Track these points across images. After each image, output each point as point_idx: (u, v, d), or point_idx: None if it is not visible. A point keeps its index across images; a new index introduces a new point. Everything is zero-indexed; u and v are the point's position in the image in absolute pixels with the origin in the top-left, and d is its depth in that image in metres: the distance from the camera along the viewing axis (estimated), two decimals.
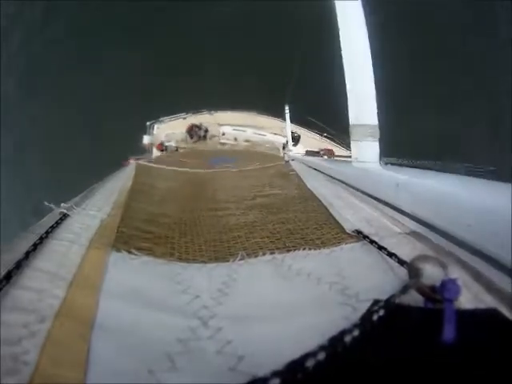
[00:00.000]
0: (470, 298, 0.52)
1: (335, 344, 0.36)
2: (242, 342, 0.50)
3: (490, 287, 0.54)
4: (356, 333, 0.38)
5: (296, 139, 5.98)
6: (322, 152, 5.55)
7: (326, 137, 6.03)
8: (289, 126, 5.79)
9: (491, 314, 0.46)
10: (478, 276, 0.57)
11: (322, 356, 0.34)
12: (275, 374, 0.31)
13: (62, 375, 0.40)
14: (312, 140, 6.14)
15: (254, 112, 6.93)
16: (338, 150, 5.57)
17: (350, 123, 1.45)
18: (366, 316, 0.42)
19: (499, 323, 0.44)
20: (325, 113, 5.35)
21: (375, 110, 1.39)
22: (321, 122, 5.87)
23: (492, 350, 0.38)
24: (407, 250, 0.71)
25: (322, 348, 0.34)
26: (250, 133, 6.97)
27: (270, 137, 6.84)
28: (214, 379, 0.43)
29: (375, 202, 1.06)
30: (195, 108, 6.75)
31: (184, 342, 0.50)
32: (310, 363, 0.33)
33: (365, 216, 0.98)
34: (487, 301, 0.51)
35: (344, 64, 1.47)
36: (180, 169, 2.27)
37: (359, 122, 1.42)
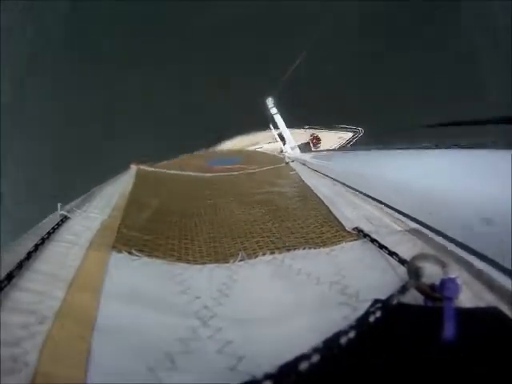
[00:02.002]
0: (470, 296, 0.52)
1: (330, 346, 0.36)
2: (242, 342, 0.50)
3: (490, 285, 0.53)
4: (352, 334, 0.38)
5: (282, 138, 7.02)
6: (310, 140, 7.33)
7: (308, 128, 7.80)
8: (276, 134, 6.92)
9: (492, 313, 0.45)
10: (478, 274, 0.56)
11: (316, 358, 0.34)
12: (268, 376, 0.31)
13: (63, 376, 0.40)
14: (299, 135, 7.63)
15: (247, 132, 8.23)
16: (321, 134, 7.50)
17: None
18: (363, 317, 0.42)
19: (500, 322, 0.43)
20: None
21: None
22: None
23: (492, 348, 0.38)
24: (407, 247, 0.71)
25: (315, 350, 0.34)
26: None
27: (265, 146, 7.97)
28: (215, 379, 0.43)
29: (374, 199, 1.07)
30: None
31: (184, 341, 0.50)
32: (303, 366, 0.32)
33: (365, 213, 0.98)
34: (487, 299, 0.51)
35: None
36: (181, 172, 2.27)
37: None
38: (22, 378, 0.37)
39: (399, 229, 0.83)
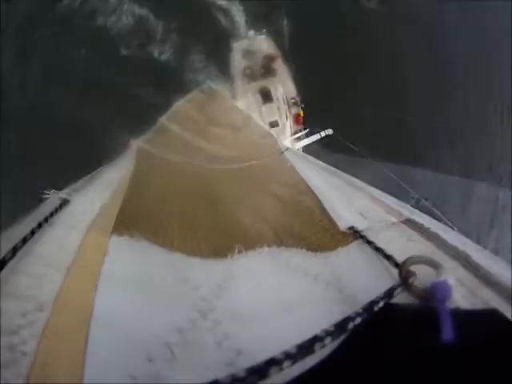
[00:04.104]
0: (465, 293, 0.51)
1: (303, 352, 0.36)
2: (240, 336, 0.50)
3: (486, 280, 0.52)
4: (328, 341, 0.38)
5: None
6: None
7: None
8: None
9: (491, 315, 0.45)
10: (474, 268, 0.55)
11: (287, 364, 0.34)
12: (235, 379, 0.32)
13: (60, 365, 0.39)
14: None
15: None
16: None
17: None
18: (339, 324, 0.41)
19: (499, 324, 0.43)
20: None
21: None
22: None
23: (492, 350, 0.38)
24: (402, 242, 0.70)
25: (288, 356, 0.34)
26: None
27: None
28: (213, 372, 0.42)
29: (368, 188, 1.05)
30: None
31: (183, 332, 0.50)
32: (273, 370, 0.33)
33: (359, 206, 0.96)
34: (483, 295, 0.50)
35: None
36: (182, 162, 2.24)
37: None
38: (20, 368, 0.37)
39: (394, 220, 0.81)
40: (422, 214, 0.83)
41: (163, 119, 3.35)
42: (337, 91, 9.00)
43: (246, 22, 9.71)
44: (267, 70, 8.42)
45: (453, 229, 0.67)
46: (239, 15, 9.73)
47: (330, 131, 6.30)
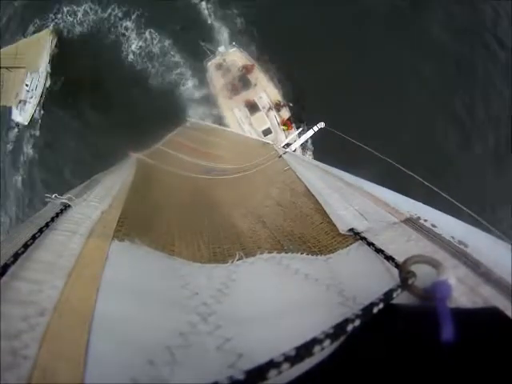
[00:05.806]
0: (466, 291, 0.50)
1: (302, 354, 0.35)
2: (241, 340, 0.50)
3: (487, 277, 0.51)
4: (327, 343, 0.37)
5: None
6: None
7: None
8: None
9: (491, 313, 0.44)
10: (475, 266, 0.54)
11: (286, 366, 0.34)
12: (235, 382, 0.31)
13: (61, 369, 0.39)
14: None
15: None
16: None
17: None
18: (339, 325, 0.41)
19: (500, 322, 0.43)
20: None
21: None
22: None
23: (493, 349, 0.37)
24: (402, 242, 0.70)
25: (287, 358, 0.34)
26: None
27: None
28: (214, 375, 0.41)
29: (368, 186, 1.05)
30: None
31: (184, 335, 0.50)
32: (272, 373, 0.33)
33: (359, 207, 0.95)
34: (484, 293, 0.49)
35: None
36: (181, 171, 2.26)
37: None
38: (22, 372, 0.37)
39: (394, 220, 0.80)
40: (422, 205, 0.82)
41: (158, 145, 3.41)
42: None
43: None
44: (246, 81, 8.50)
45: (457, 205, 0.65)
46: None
47: (322, 124, 6.22)
